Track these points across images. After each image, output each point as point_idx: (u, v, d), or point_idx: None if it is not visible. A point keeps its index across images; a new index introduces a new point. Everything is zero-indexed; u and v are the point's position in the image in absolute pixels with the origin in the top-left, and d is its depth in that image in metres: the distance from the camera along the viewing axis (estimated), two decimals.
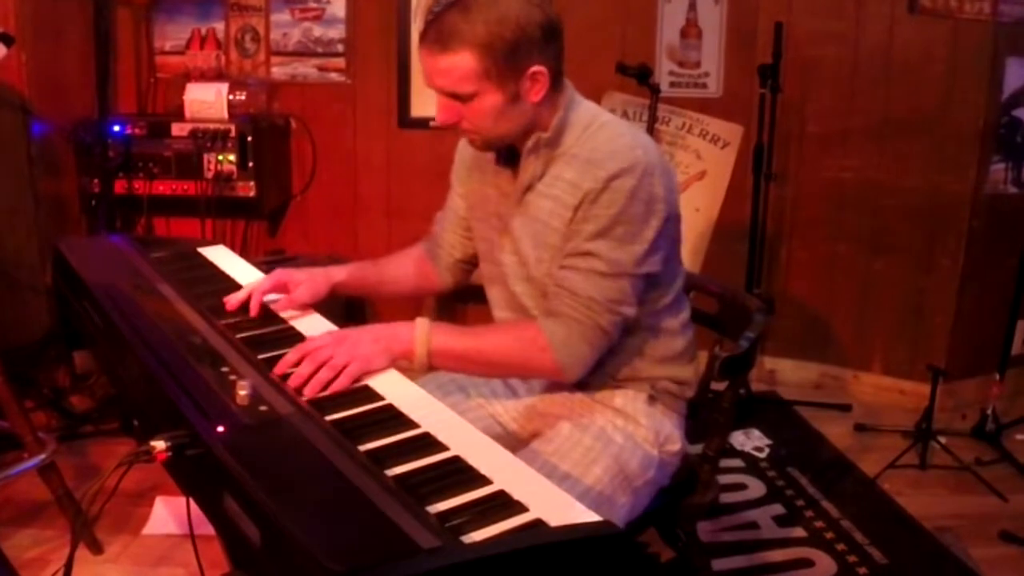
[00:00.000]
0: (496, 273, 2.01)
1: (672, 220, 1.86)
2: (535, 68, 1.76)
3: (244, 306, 1.97)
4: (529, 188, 1.88)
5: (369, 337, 1.74)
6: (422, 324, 1.78)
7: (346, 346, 1.69)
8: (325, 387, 1.62)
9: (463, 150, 2.10)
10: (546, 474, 1.44)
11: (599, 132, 1.84)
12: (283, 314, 1.98)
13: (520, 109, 1.79)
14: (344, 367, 1.65)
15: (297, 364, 1.66)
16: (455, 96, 1.76)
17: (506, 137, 1.84)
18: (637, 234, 1.78)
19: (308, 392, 1.60)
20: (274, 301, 2.01)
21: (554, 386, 2.02)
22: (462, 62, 1.71)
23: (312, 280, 2.03)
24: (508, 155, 1.93)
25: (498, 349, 1.83)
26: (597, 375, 1.91)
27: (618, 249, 1.78)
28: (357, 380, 1.66)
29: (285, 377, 1.64)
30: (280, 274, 2.03)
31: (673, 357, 1.99)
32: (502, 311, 2.02)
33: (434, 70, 1.75)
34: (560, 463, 1.79)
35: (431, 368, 1.82)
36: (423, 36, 1.74)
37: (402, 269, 2.22)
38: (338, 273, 2.09)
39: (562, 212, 1.82)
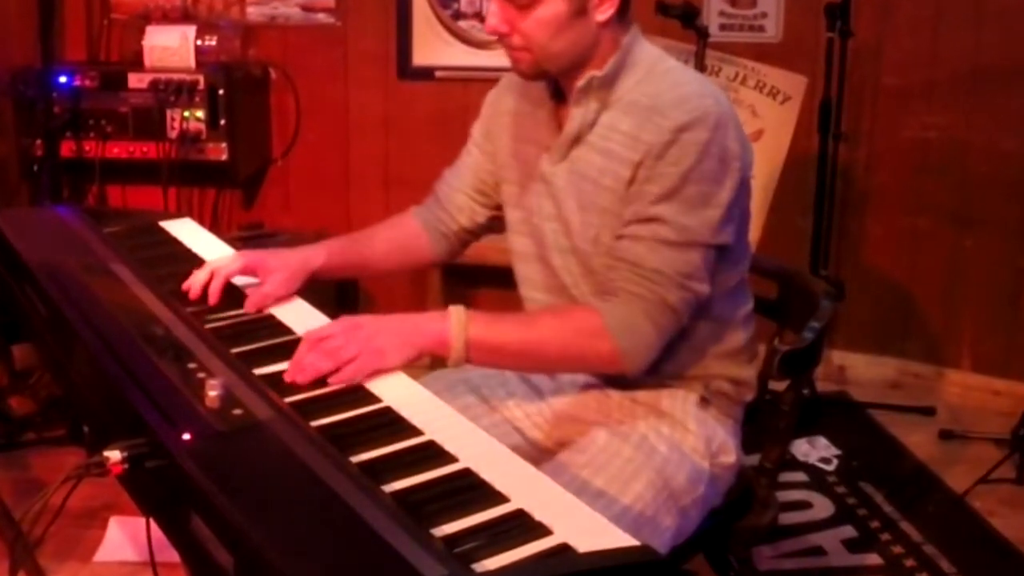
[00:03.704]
0: (530, 245, 2.01)
1: (745, 185, 1.86)
2: None
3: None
4: (577, 140, 1.89)
5: (388, 328, 1.73)
6: (457, 312, 1.77)
7: (358, 336, 1.68)
8: (320, 379, 1.61)
9: (497, 98, 2.11)
10: (576, 491, 1.44)
11: (663, 77, 1.85)
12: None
13: (583, 27, 1.81)
14: (351, 360, 1.64)
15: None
16: (513, 1, 1.78)
17: (561, 59, 1.84)
18: (711, 196, 1.78)
19: (301, 379, 1.60)
20: (244, 287, 2.00)
21: (587, 386, 2.01)
22: None
23: (287, 267, 2.01)
24: (554, 98, 1.93)
25: (546, 338, 1.82)
26: None
27: (689, 213, 1.77)
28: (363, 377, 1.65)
29: (269, 375, 1.63)
30: (250, 256, 2.02)
31: (733, 353, 1.99)
32: (536, 291, 2.02)
33: None
34: (593, 478, 1.78)
35: (468, 362, 1.80)
36: None
37: (388, 245, 2.22)
38: (317, 257, 2.08)
39: (616, 169, 1.83)
